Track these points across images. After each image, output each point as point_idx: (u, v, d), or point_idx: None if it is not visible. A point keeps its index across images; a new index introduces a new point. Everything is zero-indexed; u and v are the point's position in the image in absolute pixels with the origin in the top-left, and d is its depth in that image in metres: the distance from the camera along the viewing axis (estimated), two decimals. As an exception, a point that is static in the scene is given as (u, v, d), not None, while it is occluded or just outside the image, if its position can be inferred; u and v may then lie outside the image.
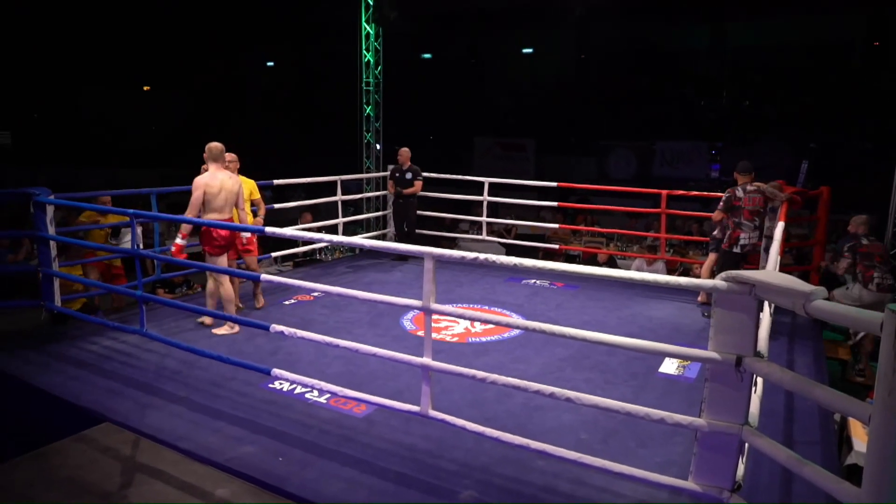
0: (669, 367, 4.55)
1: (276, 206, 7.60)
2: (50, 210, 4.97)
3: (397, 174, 7.93)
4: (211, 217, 4.80)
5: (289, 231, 4.36)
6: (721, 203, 5.65)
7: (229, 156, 5.45)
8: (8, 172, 17.31)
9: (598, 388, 4.15)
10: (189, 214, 4.72)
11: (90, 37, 21.29)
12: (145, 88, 25.44)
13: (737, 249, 5.55)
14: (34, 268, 5.20)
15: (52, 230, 5.00)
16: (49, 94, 22.68)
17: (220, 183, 4.85)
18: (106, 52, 21.83)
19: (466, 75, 20.60)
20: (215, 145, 4.92)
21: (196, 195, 4.76)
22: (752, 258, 5.97)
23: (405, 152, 7.92)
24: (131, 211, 4.57)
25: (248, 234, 5.27)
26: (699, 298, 6.26)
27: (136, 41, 21.72)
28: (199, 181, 4.79)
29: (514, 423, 3.59)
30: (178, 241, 4.67)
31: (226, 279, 4.99)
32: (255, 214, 5.74)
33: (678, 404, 3.88)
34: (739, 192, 5.52)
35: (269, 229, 3.96)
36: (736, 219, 5.55)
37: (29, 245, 7.65)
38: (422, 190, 8.06)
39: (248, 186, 5.53)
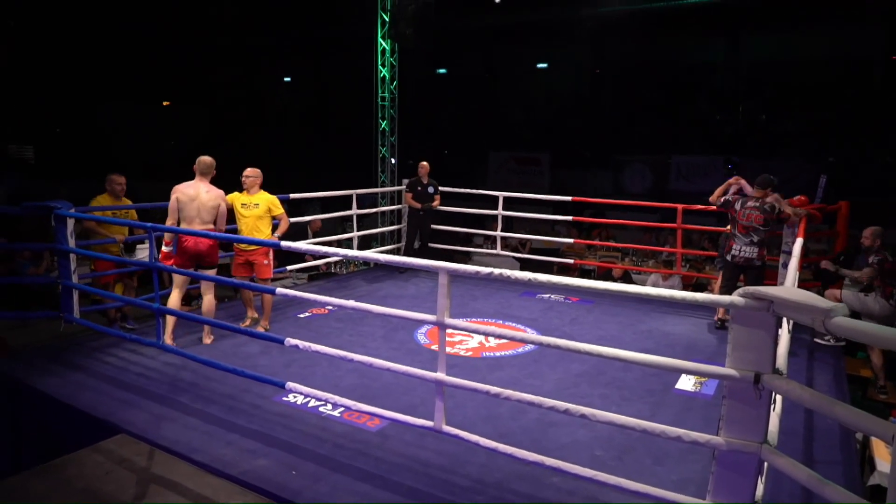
0: (686, 383, 4.50)
1: (292, 219, 7.66)
2: (70, 223, 5.04)
3: (419, 188, 7.96)
4: (180, 226, 4.84)
5: (304, 245, 4.39)
6: (722, 199, 5.71)
7: (251, 171, 5.46)
8: (30, 186, 17.64)
9: (614, 405, 4.11)
10: (168, 221, 4.84)
11: (111, 53, 21.74)
12: (165, 103, 25.86)
13: (728, 258, 5.62)
14: (54, 280, 5.28)
15: (72, 243, 5.07)
16: (71, 109, 23.12)
17: (196, 192, 4.87)
18: (126, 68, 22.27)
19: (481, 90, 20.68)
20: (204, 159, 4.98)
21: (171, 200, 4.86)
22: (770, 273, 5.91)
23: (426, 166, 7.99)
24: (150, 224, 4.63)
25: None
26: (717, 317, 6.12)
27: (155, 58, 22.14)
28: (176, 187, 4.89)
29: (529, 439, 3.56)
30: (164, 248, 4.81)
31: (175, 294, 4.97)
32: (275, 229, 5.74)
33: (695, 421, 3.83)
34: (737, 206, 5.55)
35: (284, 243, 4.00)
36: (732, 229, 5.62)
37: (49, 258, 7.76)
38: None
39: (268, 202, 5.47)
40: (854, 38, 14.58)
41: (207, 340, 5.17)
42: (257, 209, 5.42)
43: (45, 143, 22.74)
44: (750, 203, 5.49)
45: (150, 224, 4.64)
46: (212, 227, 4.98)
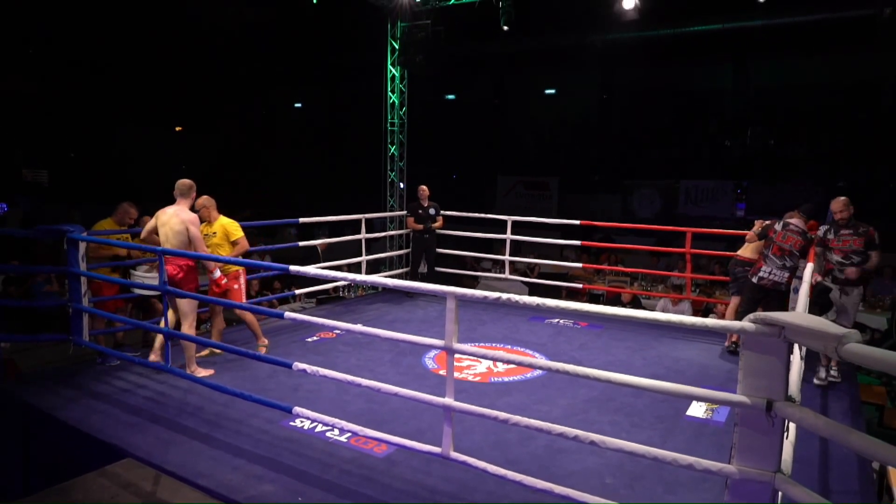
0: (697, 410, 4.44)
1: (301, 243, 7.71)
2: (82, 247, 5.09)
3: (419, 211, 8.01)
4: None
5: (312, 270, 4.40)
6: (759, 227, 5.57)
7: (200, 200, 5.26)
8: (45, 210, 17.86)
9: (624, 431, 4.06)
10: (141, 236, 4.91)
11: (125, 79, 22.15)
12: (177, 129, 26.24)
13: (754, 280, 5.40)
14: (65, 302, 5.31)
15: (83, 266, 5.11)
16: (85, 134, 23.49)
17: (168, 217, 4.84)
18: (140, 93, 22.66)
19: (490, 115, 20.88)
20: (181, 181, 4.93)
21: (151, 220, 4.92)
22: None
23: (426, 189, 8.06)
24: (159, 249, 4.67)
25: (217, 276, 5.11)
26: (731, 340, 6.02)
27: (169, 83, 22.52)
28: (159, 210, 4.91)
29: (537, 466, 3.52)
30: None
31: (170, 316, 4.90)
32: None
33: (707, 449, 3.77)
34: (778, 226, 5.36)
35: (293, 268, 4.01)
36: (765, 250, 5.41)
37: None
38: (444, 228, 8.19)
39: (223, 228, 5.30)
40: (862, 63, 14.63)
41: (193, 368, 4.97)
42: (215, 237, 5.31)
43: (60, 168, 23.06)
44: (791, 226, 5.31)
45: (160, 248, 4.67)
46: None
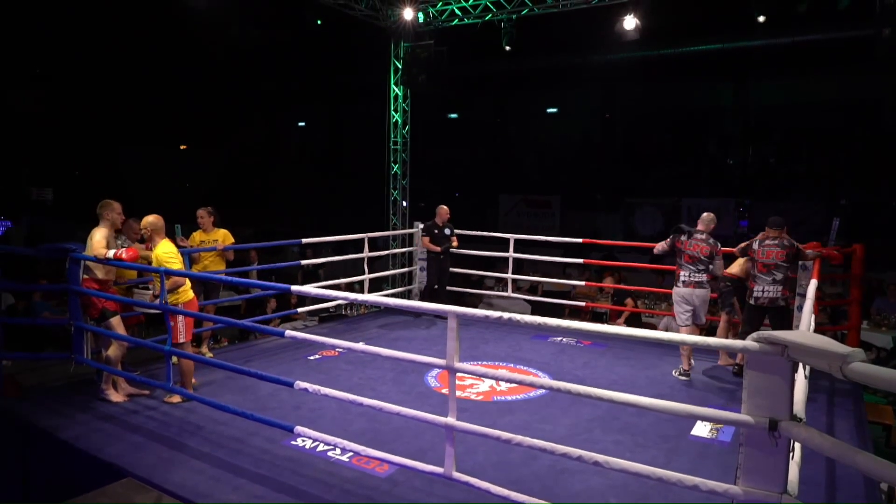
0: (702, 429, 4.40)
1: (304, 262, 7.72)
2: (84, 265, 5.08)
3: (435, 231, 7.95)
4: None
5: (313, 289, 4.39)
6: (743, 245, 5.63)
7: (144, 220, 4.93)
8: (49, 227, 17.95)
9: (628, 451, 4.02)
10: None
11: (130, 98, 22.36)
12: (182, 147, 26.43)
13: (751, 301, 5.36)
14: (66, 321, 5.31)
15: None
16: (90, 152, 23.66)
17: None
18: (145, 112, 22.86)
19: (492, 134, 21.01)
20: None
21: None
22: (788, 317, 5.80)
23: (446, 210, 7.96)
24: (163, 269, 4.66)
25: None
26: (732, 363, 5.99)
27: (173, 102, 22.72)
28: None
29: (541, 486, 3.48)
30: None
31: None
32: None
33: (712, 469, 3.72)
34: (755, 244, 5.41)
35: (294, 288, 4.01)
36: (752, 270, 5.41)
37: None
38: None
39: (157, 257, 4.76)
40: (862, 82, 14.71)
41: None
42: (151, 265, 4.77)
43: (65, 185, 23.21)
44: (768, 242, 5.32)
45: (162, 269, 4.67)
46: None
